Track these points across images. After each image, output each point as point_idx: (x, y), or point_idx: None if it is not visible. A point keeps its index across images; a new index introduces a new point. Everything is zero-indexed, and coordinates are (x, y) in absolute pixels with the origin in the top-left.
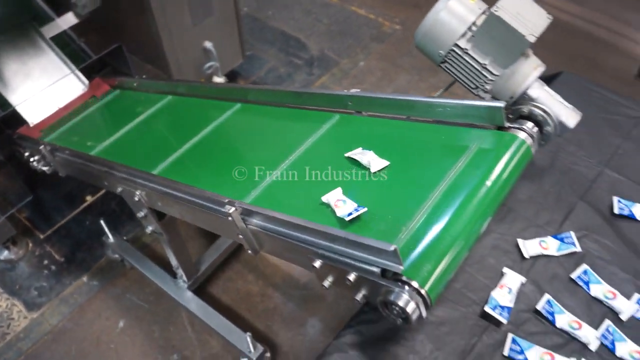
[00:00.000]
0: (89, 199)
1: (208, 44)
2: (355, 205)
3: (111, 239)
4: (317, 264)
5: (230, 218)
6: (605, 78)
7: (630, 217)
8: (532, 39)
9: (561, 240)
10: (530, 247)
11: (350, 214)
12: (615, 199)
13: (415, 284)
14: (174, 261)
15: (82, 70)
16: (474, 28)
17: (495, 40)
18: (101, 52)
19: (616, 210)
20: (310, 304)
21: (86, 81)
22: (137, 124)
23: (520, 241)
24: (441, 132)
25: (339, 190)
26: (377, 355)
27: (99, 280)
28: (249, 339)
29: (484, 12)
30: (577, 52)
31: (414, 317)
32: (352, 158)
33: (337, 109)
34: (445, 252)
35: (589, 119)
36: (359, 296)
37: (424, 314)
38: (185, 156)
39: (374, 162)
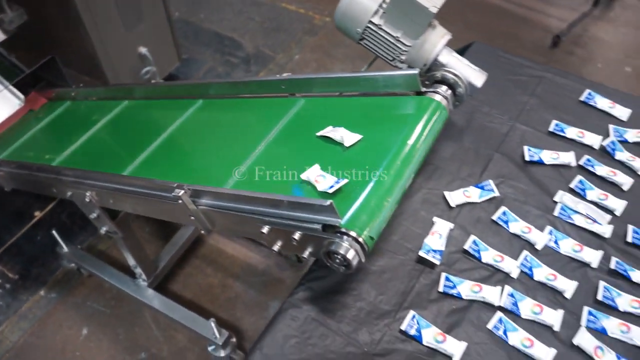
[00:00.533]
0: (38, 214)
1: (143, 50)
2: (335, 178)
3: (65, 248)
4: (265, 229)
5: (180, 201)
6: (524, 50)
7: (539, 162)
8: (434, 10)
9: (482, 188)
10: (455, 197)
11: (331, 186)
12: (525, 147)
13: (353, 233)
14: (131, 260)
15: (17, 86)
16: (384, 5)
17: (404, 14)
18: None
19: (527, 158)
20: (270, 288)
21: (22, 96)
22: (95, 131)
23: (446, 193)
24: (373, 102)
25: (316, 166)
26: (327, 306)
27: (57, 292)
28: (213, 325)
29: None
30: (498, 30)
31: (354, 262)
32: (324, 136)
33: (272, 94)
34: (377, 205)
35: (499, 81)
36: (306, 253)
37: (363, 259)
38: (152, 159)
39: (347, 136)
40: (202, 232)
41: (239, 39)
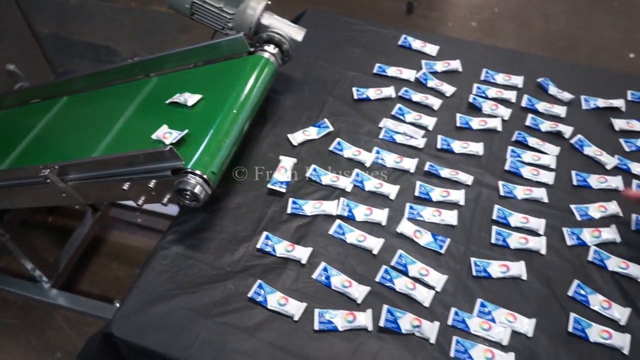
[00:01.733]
0: None
1: (11, 67)
2: (179, 132)
3: None
4: (126, 186)
5: (49, 180)
6: (384, 19)
7: (367, 99)
8: None
9: (319, 126)
10: (297, 137)
11: (175, 138)
12: (354, 89)
13: (198, 172)
14: (28, 263)
15: None
16: None
17: None
18: None
19: (355, 97)
20: None
21: None
22: None
23: (289, 135)
24: (213, 68)
25: (164, 126)
26: (193, 243)
27: None
28: (118, 306)
29: None
30: (357, 3)
31: (202, 196)
32: (173, 102)
33: (129, 78)
34: (217, 146)
35: (333, 39)
36: (165, 200)
37: (209, 191)
38: (20, 159)
39: (189, 98)
40: (77, 207)
41: (114, 46)
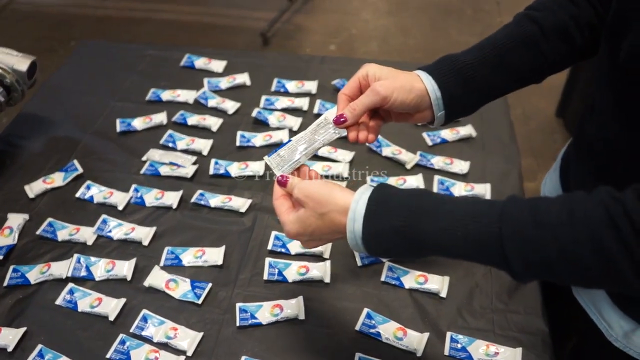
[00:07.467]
0: None
1: None
2: None
3: None
4: None
5: None
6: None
7: (133, 130)
8: None
9: (66, 170)
10: (34, 187)
11: None
12: (118, 120)
13: None
14: None
15: None
16: None
17: None
18: None
19: (119, 129)
20: None
21: None
22: None
23: (26, 187)
24: None
25: None
26: None
27: None
28: None
29: None
30: (211, 41)
31: None
32: None
33: None
34: None
35: (106, 70)
36: None
37: None
38: None
39: None
40: None
41: None
